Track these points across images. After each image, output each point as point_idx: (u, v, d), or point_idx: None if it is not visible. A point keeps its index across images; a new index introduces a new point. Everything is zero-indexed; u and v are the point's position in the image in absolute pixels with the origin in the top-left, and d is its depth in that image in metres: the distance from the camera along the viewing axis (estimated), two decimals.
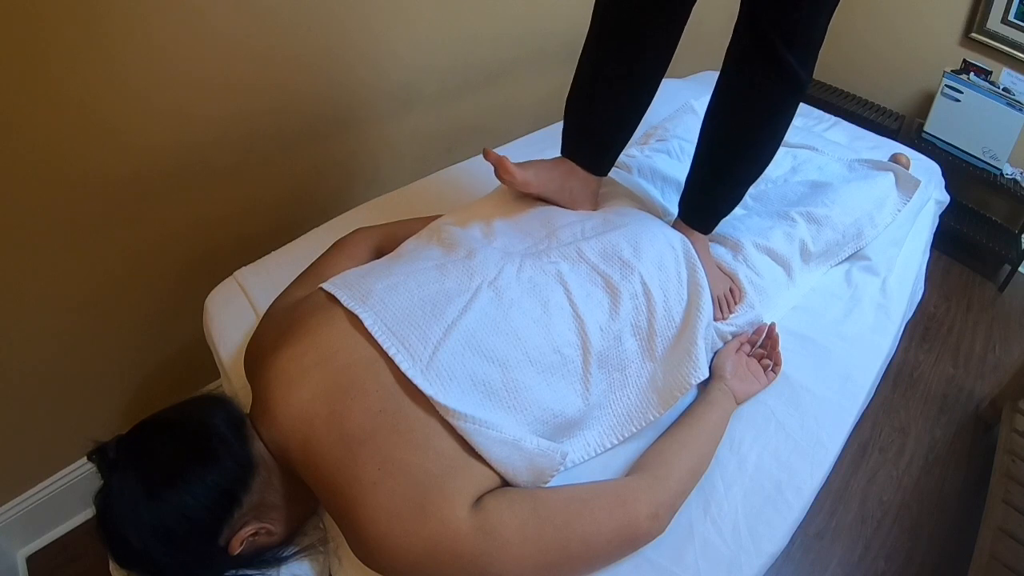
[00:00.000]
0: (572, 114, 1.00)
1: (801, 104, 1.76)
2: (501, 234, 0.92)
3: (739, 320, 0.95)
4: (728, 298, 0.96)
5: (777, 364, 0.93)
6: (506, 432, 0.66)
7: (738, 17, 0.84)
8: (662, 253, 0.89)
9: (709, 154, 0.94)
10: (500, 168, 0.92)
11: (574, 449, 0.77)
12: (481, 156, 1.37)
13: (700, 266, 0.91)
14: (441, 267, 0.80)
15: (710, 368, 0.89)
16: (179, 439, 0.65)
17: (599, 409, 0.80)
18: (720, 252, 1.03)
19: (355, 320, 0.71)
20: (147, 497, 0.60)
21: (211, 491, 0.62)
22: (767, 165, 0.95)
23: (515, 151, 1.38)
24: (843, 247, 1.14)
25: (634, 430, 0.81)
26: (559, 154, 1.02)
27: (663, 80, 0.98)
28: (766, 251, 1.05)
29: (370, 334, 0.69)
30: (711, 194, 0.97)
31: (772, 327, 0.97)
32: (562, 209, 1.00)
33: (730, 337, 0.95)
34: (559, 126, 1.52)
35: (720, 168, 0.94)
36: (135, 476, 0.61)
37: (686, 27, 0.92)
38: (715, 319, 0.93)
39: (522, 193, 1.00)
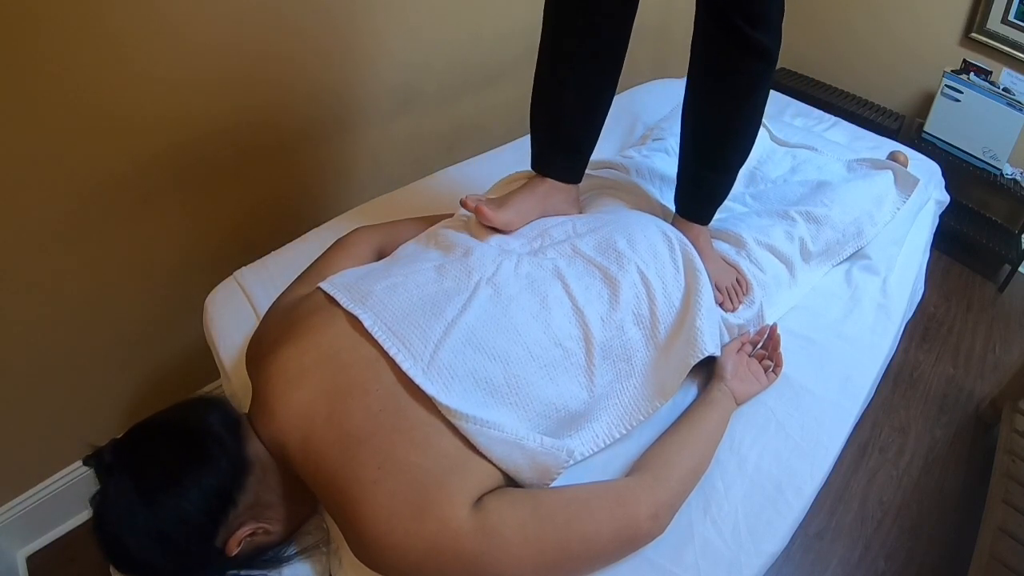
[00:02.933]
0: (539, 129, 0.99)
1: (801, 104, 1.76)
2: (495, 235, 0.92)
3: (747, 313, 0.96)
4: (736, 288, 0.97)
5: (778, 365, 0.93)
6: (508, 431, 0.66)
7: (696, 9, 0.85)
8: (655, 242, 0.90)
9: (695, 144, 0.95)
10: (480, 215, 0.91)
11: (583, 442, 0.77)
12: (481, 156, 1.38)
13: (694, 251, 0.92)
14: (440, 267, 0.81)
15: (713, 368, 0.89)
16: (174, 441, 0.65)
17: (606, 399, 0.80)
18: (723, 248, 1.04)
19: (355, 321, 0.71)
20: (142, 502, 0.60)
21: (206, 493, 0.61)
22: (753, 144, 0.96)
23: (514, 151, 1.38)
24: (843, 246, 1.14)
25: (642, 419, 0.81)
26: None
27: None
28: (768, 248, 1.05)
29: (370, 334, 0.69)
30: (703, 183, 0.98)
31: (774, 328, 0.97)
32: None
33: (737, 331, 0.95)
34: None
35: (708, 156, 0.95)
36: (130, 481, 0.61)
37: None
38: (725, 310, 0.94)
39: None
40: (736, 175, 0.99)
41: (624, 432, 0.80)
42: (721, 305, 0.94)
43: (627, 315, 0.82)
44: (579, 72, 0.93)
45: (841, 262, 1.15)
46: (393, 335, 0.69)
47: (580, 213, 1.04)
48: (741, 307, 0.96)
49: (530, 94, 0.97)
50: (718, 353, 0.85)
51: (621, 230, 0.90)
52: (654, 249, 0.89)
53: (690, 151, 0.96)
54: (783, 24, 0.85)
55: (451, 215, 1.03)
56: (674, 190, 1.02)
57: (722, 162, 0.96)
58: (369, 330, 0.69)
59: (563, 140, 0.98)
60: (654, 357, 0.84)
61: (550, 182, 0.99)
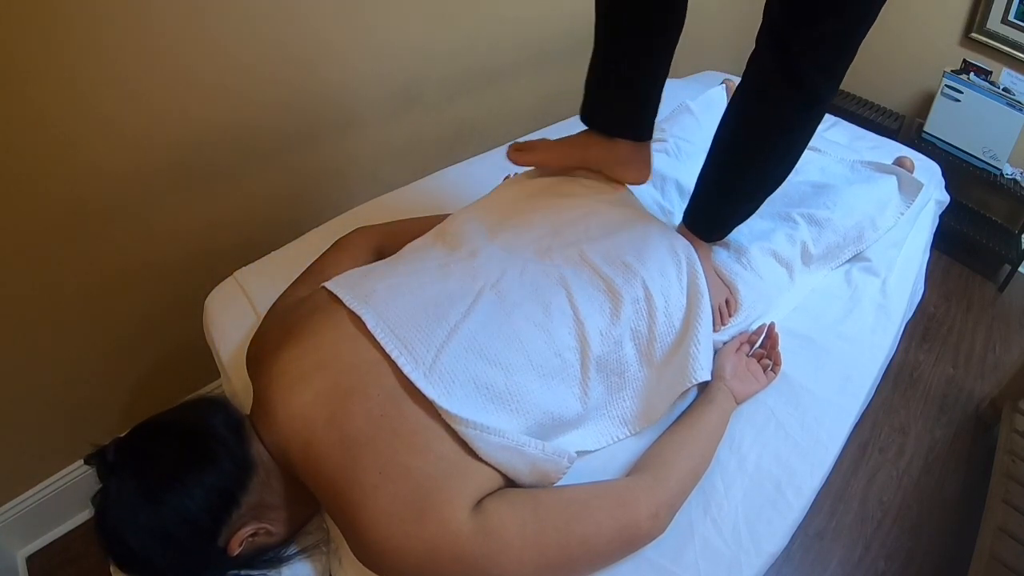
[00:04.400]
0: (592, 74, 0.95)
1: None
2: (505, 230, 0.91)
3: (733, 330, 0.95)
4: (723, 309, 0.95)
5: (777, 364, 0.93)
6: (508, 438, 0.66)
7: (758, 38, 0.79)
8: (664, 259, 0.88)
9: (718, 166, 0.91)
10: (513, 158, 0.97)
11: (569, 443, 0.77)
12: (481, 156, 1.38)
13: (702, 273, 0.89)
14: (443, 267, 0.80)
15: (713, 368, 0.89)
16: (177, 441, 0.65)
17: (596, 411, 0.80)
18: (723, 256, 1.02)
19: (357, 321, 0.71)
20: (145, 500, 0.60)
21: (209, 493, 0.62)
22: (780, 182, 0.90)
23: None
24: (843, 249, 1.13)
25: (628, 433, 0.82)
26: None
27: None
28: (769, 253, 1.04)
29: (372, 336, 0.69)
30: (717, 207, 0.94)
31: (771, 327, 0.96)
32: (569, 205, 0.96)
33: (721, 345, 0.94)
34: (559, 126, 1.53)
35: (728, 182, 0.91)
36: (133, 479, 0.61)
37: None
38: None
39: (537, 181, 1.01)
40: (755, 207, 0.94)
41: (611, 442, 0.81)
42: None
43: (625, 331, 0.81)
44: (634, 57, 0.89)
45: (840, 264, 1.15)
46: (396, 338, 0.69)
47: (641, 179, 1.02)
48: (724, 327, 0.95)
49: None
50: (709, 378, 0.84)
51: (632, 241, 0.88)
52: (662, 266, 0.87)
53: (713, 170, 0.91)
54: None
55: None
56: (674, 191, 1.01)
57: (743, 191, 0.91)
58: (372, 331, 0.69)
59: (617, 81, 0.92)
60: (646, 375, 0.84)
61: (593, 134, 0.97)
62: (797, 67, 0.75)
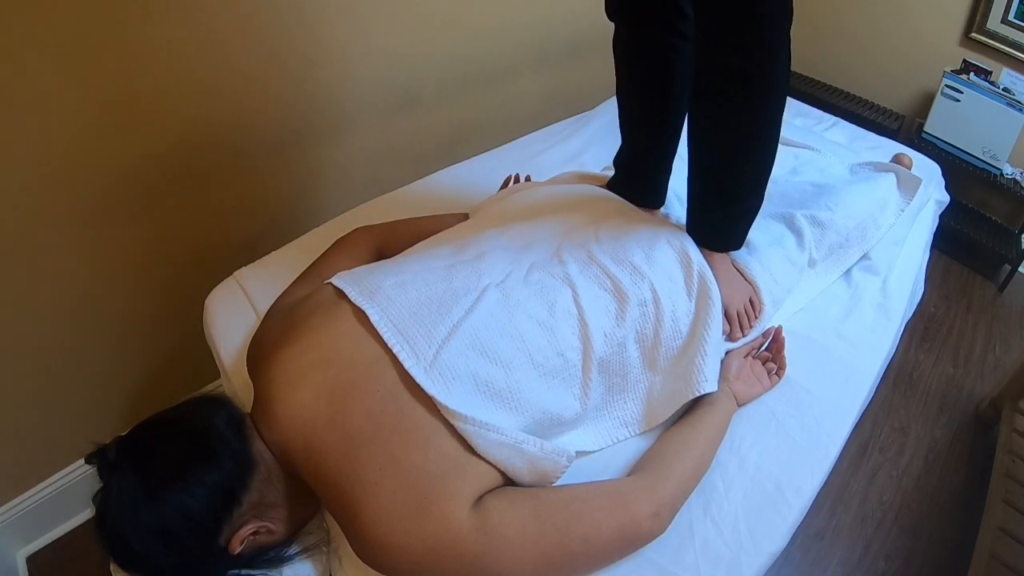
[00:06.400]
0: (615, 159, 1.10)
1: (801, 104, 1.76)
2: (514, 232, 0.90)
3: (747, 337, 0.94)
4: (748, 311, 0.93)
5: (781, 368, 0.93)
6: (507, 435, 0.66)
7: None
8: (673, 264, 0.87)
9: (697, 173, 0.89)
10: None
11: (567, 443, 0.77)
12: (481, 156, 1.38)
13: (714, 281, 0.88)
14: (450, 267, 0.80)
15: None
16: (178, 440, 0.65)
17: (595, 412, 0.80)
18: (742, 255, 0.99)
19: (361, 316, 0.71)
20: (146, 498, 0.60)
21: (210, 491, 0.62)
22: (765, 175, 0.86)
23: (516, 151, 1.38)
24: (849, 250, 1.12)
25: (629, 435, 0.82)
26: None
27: None
28: (783, 257, 1.02)
29: (375, 332, 0.69)
30: (709, 214, 0.92)
31: (779, 331, 0.96)
32: (579, 209, 0.97)
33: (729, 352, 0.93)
34: (560, 125, 1.53)
35: (710, 186, 0.89)
36: (134, 477, 0.61)
37: None
38: (732, 338, 0.91)
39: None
40: (752, 206, 0.90)
41: (610, 443, 0.81)
42: (727, 335, 0.91)
43: (630, 333, 0.81)
44: (640, 137, 1.04)
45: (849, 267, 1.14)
46: (398, 333, 0.69)
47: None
48: (746, 337, 0.93)
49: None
50: (715, 389, 0.82)
51: (642, 244, 0.88)
52: (670, 270, 0.86)
53: (694, 181, 0.90)
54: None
55: (453, 215, 1.03)
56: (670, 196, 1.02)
57: (727, 193, 0.88)
58: (376, 326, 0.69)
59: (631, 166, 1.07)
60: (649, 379, 0.83)
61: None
62: (728, 58, 0.73)
